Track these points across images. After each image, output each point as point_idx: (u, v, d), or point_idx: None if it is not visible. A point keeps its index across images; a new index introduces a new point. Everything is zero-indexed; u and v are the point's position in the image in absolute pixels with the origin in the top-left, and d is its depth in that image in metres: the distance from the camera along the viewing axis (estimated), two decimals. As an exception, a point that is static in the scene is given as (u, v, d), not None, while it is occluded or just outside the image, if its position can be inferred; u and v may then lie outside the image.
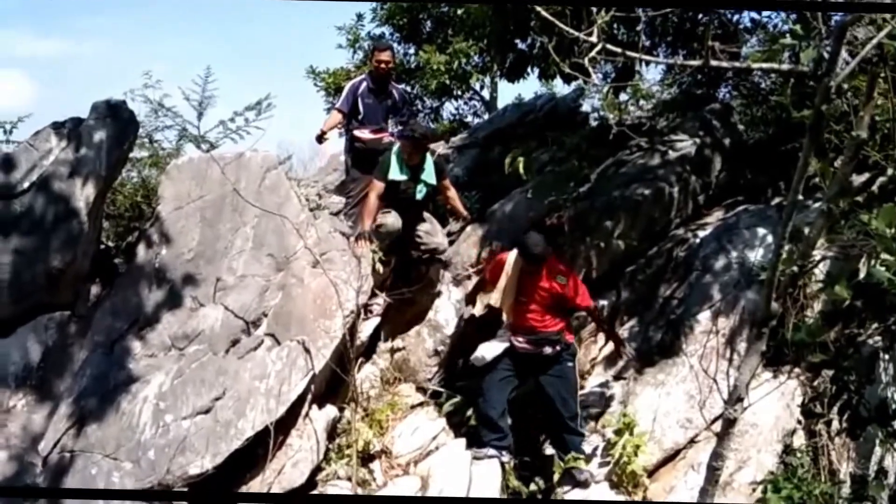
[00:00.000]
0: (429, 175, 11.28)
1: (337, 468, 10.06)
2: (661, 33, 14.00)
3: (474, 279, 12.23)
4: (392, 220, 11.18)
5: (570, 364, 10.64)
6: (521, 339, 10.53)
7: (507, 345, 10.53)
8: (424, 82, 17.21)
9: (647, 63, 13.19)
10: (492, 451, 10.36)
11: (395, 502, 7.40)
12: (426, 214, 11.82)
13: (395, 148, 11.22)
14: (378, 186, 11.06)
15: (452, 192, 11.90)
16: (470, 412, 10.88)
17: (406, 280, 11.56)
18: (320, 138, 12.68)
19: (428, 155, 11.42)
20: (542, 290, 10.44)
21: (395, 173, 11.07)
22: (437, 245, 11.67)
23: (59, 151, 10.01)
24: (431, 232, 11.66)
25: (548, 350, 10.46)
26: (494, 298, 10.70)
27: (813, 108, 7.66)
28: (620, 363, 11.53)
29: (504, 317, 10.70)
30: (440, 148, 15.13)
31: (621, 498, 10.15)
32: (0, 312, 9.66)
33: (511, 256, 10.60)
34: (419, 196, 11.37)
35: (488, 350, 10.57)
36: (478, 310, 11.90)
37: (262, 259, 10.37)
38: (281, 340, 9.88)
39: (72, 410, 9.25)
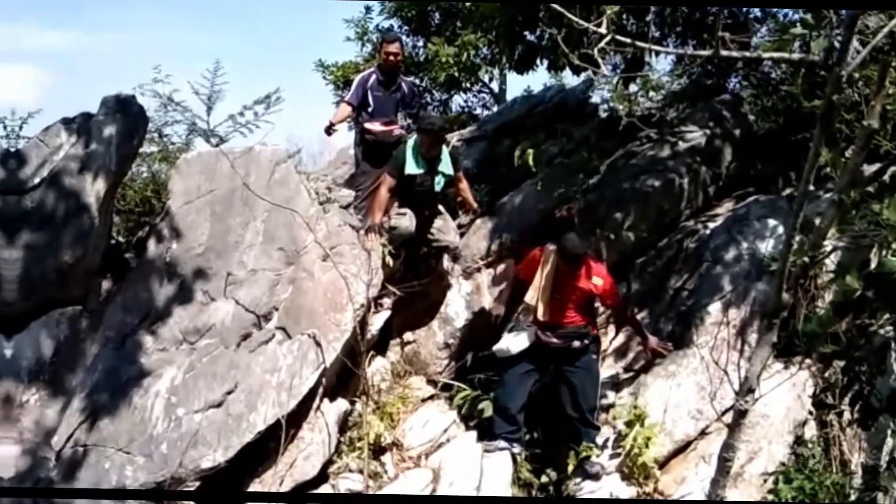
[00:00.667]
0: (446, 166, 11.26)
1: (348, 461, 10.09)
2: (670, 24, 13.95)
3: (485, 272, 12.22)
4: (406, 222, 11.20)
5: (594, 357, 10.70)
6: (549, 333, 10.50)
7: (532, 339, 10.53)
8: (433, 75, 17.20)
9: (657, 54, 13.14)
10: (503, 444, 10.38)
11: (397, 502, 7.40)
12: (440, 208, 11.82)
13: (410, 142, 11.18)
14: (389, 181, 11.04)
15: (464, 184, 11.88)
16: (482, 405, 10.86)
17: (416, 273, 11.55)
18: (329, 130, 12.68)
19: (444, 146, 11.41)
20: (578, 289, 10.46)
21: (412, 167, 11.05)
22: (448, 242, 11.68)
23: (70, 147, 10.01)
24: (444, 229, 11.65)
25: (576, 344, 10.46)
26: (530, 296, 10.65)
27: (824, 97, 7.65)
28: (631, 355, 11.52)
29: (537, 312, 10.62)
30: (453, 139, 15.11)
31: (632, 489, 10.16)
32: (12, 308, 9.66)
33: (546, 254, 10.56)
34: (438, 188, 11.36)
35: (514, 343, 10.55)
36: (488, 302, 11.91)
37: (272, 253, 10.37)
38: (292, 334, 9.88)
39: (84, 405, 9.27)
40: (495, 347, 10.70)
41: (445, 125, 11.91)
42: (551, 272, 10.46)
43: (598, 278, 10.49)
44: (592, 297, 10.60)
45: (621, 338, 11.48)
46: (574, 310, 10.49)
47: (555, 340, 10.43)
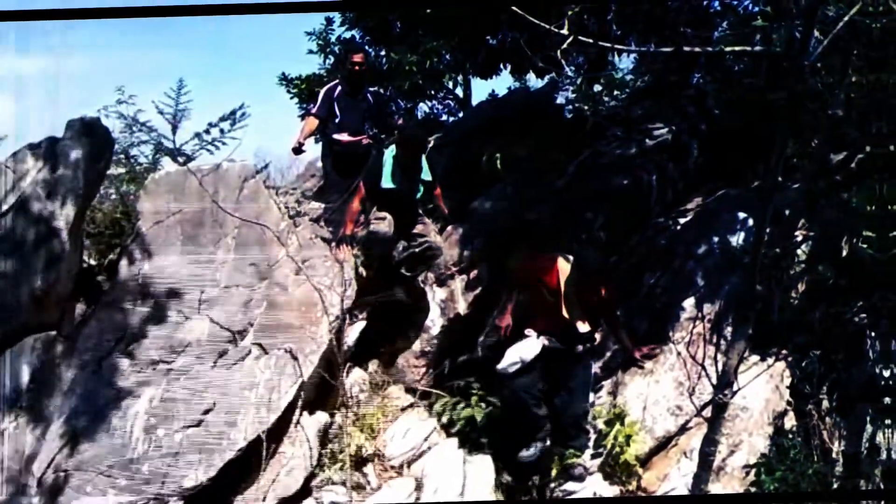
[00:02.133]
0: (426, 173, 11.26)
1: (331, 474, 10.06)
2: (631, 22, 14.00)
3: (458, 279, 12.17)
4: (385, 227, 11.19)
5: (591, 360, 10.66)
6: (555, 339, 10.30)
7: (537, 347, 10.38)
8: (397, 83, 17.20)
9: (620, 52, 13.21)
10: (536, 451, 10.31)
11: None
12: (420, 213, 11.82)
13: (387, 155, 11.15)
14: (362, 193, 11.03)
15: (438, 191, 11.88)
16: (464, 412, 10.81)
17: (391, 283, 11.53)
18: (297, 150, 12.70)
19: (422, 154, 11.41)
20: (591, 301, 10.38)
21: (388, 182, 11.02)
22: (431, 243, 11.62)
23: (37, 172, 9.98)
24: (425, 232, 11.63)
25: (580, 348, 10.34)
26: (550, 302, 10.28)
27: (787, 88, 7.69)
28: (608, 354, 11.53)
29: (556, 316, 10.34)
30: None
31: (615, 488, 10.16)
32: (-15, 336, 9.64)
33: (564, 267, 10.31)
34: (417, 195, 11.35)
35: (522, 353, 10.41)
36: (462, 309, 11.89)
37: (244, 269, 10.36)
38: (268, 349, 9.88)
39: (64, 430, 9.25)
40: (502, 365, 10.33)
41: (426, 136, 11.91)
42: (571, 285, 10.24)
43: (606, 290, 10.45)
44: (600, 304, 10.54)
45: (597, 337, 11.47)
46: (584, 318, 10.33)
47: (560, 345, 10.25)
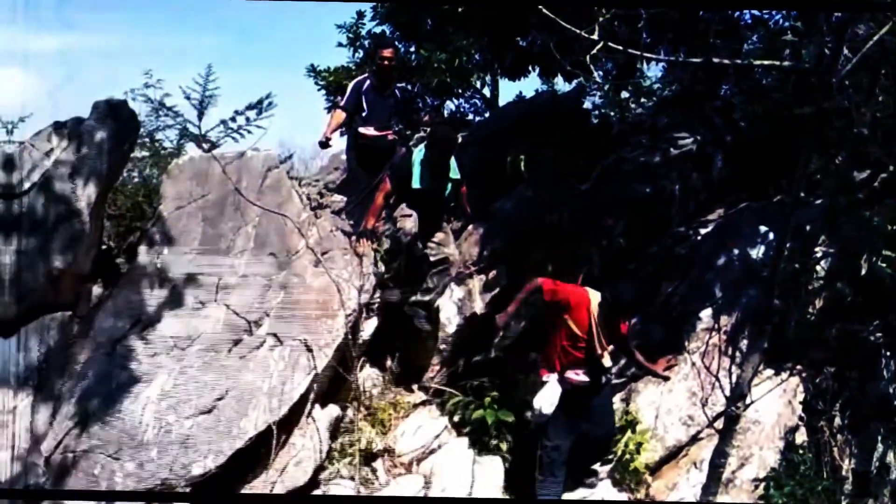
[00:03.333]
0: (454, 171, 11.25)
1: (340, 467, 10.07)
2: (662, 30, 13.99)
3: (476, 278, 12.16)
4: (410, 224, 11.18)
5: (609, 390, 10.55)
6: (580, 371, 9.98)
7: (557, 392, 9.98)
8: (425, 80, 17.19)
9: (649, 60, 13.19)
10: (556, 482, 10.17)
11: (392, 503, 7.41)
12: (442, 220, 11.79)
13: (416, 155, 11.13)
14: (388, 189, 11.02)
15: (463, 189, 11.87)
16: (474, 414, 10.76)
17: (411, 279, 11.52)
18: (324, 143, 12.70)
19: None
20: (616, 334, 10.18)
21: (417, 182, 10.99)
22: (447, 255, 11.58)
23: (61, 151, 10.00)
24: (444, 242, 11.57)
25: (603, 380, 10.20)
26: (599, 352, 9.96)
27: (814, 104, 7.67)
28: (623, 360, 11.50)
29: (590, 354, 10.05)
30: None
31: (623, 495, 10.16)
32: (2, 313, 9.65)
33: (594, 297, 10.02)
34: (447, 193, 11.35)
35: (547, 400, 10.28)
36: (479, 308, 11.86)
37: (263, 258, 10.37)
38: (283, 340, 9.88)
39: (74, 411, 9.26)
40: (534, 415, 10.08)
41: (456, 136, 11.88)
42: (602, 320, 9.94)
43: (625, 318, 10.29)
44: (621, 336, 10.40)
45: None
46: (607, 349, 10.14)
47: (585, 378, 9.95)
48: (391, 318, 11.31)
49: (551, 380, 9.97)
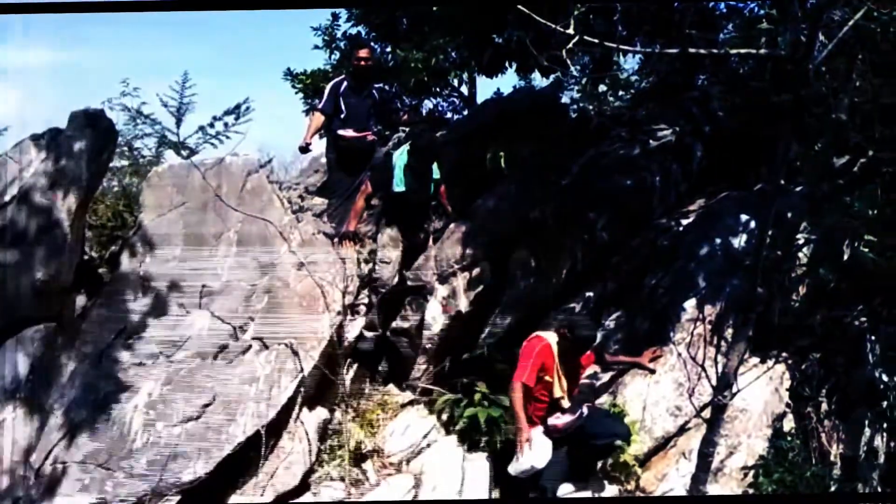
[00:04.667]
0: (435, 172, 11.27)
1: (330, 469, 10.07)
2: (637, 23, 13.99)
3: (460, 276, 12.13)
4: (388, 272, 11.33)
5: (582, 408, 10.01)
6: (558, 415, 9.82)
7: (548, 441, 9.80)
8: (403, 80, 17.18)
9: (625, 53, 13.20)
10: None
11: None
12: (425, 225, 11.81)
13: (399, 158, 11.13)
14: (368, 191, 11.05)
15: (443, 188, 11.89)
16: (465, 412, 10.73)
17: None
18: (304, 149, 12.71)
19: None
20: (583, 367, 10.26)
21: (399, 185, 11.02)
22: (425, 283, 11.58)
23: (39, 163, 10.00)
24: (424, 269, 11.56)
25: (585, 411, 9.81)
26: (559, 394, 9.82)
27: (792, 92, 7.68)
28: (608, 354, 11.51)
29: (561, 404, 9.90)
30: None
31: (613, 488, 10.15)
32: (-14, 326, 9.65)
33: (553, 342, 9.80)
34: (430, 191, 11.39)
35: (539, 457, 9.75)
36: (464, 306, 11.84)
37: (246, 263, 10.39)
38: (269, 344, 9.90)
39: (62, 422, 9.27)
40: (519, 472, 9.75)
41: (438, 143, 11.93)
42: (561, 360, 9.81)
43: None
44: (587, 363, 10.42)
45: (598, 336, 11.42)
46: (577, 385, 10.19)
47: (568, 420, 9.73)
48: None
49: (536, 434, 9.73)
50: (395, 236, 11.63)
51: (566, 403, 9.75)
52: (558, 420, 9.73)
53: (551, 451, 9.76)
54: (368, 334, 11.31)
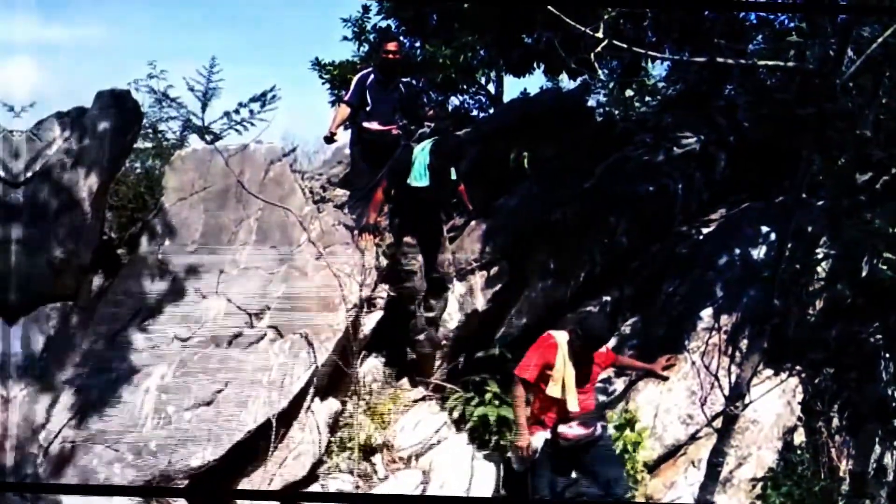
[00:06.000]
0: (453, 173, 11.26)
1: (339, 461, 10.09)
2: (667, 29, 13.97)
3: (478, 274, 12.12)
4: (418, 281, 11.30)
5: (608, 434, 9.78)
6: (573, 424, 9.28)
7: (548, 438, 9.39)
8: (430, 76, 17.17)
9: (653, 59, 13.18)
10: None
11: (385, 502, 7.38)
12: (441, 222, 11.80)
13: (419, 153, 11.10)
14: (387, 185, 11.04)
15: (462, 186, 11.87)
16: (476, 411, 10.71)
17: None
18: (329, 139, 12.68)
19: None
20: (595, 370, 9.69)
21: (416, 180, 10.97)
22: (445, 280, 11.63)
23: (63, 141, 10.01)
24: (435, 308, 11.54)
25: (599, 430, 9.39)
26: (554, 390, 9.29)
27: (818, 105, 7.67)
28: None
29: (566, 406, 9.36)
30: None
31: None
32: (2, 302, 9.66)
33: (561, 341, 9.39)
34: (448, 192, 11.41)
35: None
36: (481, 304, 11.84)
37: (265, 251, 10.39)
38: (284, 333, 9.90)
39: (74, 401, 9.28)
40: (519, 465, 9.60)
41: (464, 147, 11.91)
42: (571, 361, 9.34)
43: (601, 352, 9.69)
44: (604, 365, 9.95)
45: (613, 341, 11.40)
46: (591, 391, 9.67)
47: (580, 432, 9.24)
48: (393, 312, 11.32)
49: (537, 441, 9.34)
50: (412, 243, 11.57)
51: (572, 406, 9.31)
52: (570, 430, 9.26)
53: (550, 454, 9.38)
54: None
